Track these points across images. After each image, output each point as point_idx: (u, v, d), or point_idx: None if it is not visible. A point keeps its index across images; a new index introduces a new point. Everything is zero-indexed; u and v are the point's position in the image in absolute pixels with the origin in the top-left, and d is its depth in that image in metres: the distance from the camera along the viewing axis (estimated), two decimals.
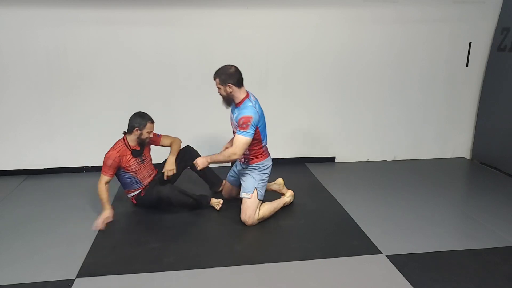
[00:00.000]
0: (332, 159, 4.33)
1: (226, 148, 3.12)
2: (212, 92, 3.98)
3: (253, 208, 2.85)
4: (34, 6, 3.52)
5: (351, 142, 4.29)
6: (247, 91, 2.86)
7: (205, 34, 3.80)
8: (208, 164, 2.92)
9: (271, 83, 4.01)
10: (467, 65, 4.18)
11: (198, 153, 3.36)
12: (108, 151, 2.96)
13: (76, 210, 3.16)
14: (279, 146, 4.20)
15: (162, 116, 3.89)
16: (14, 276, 2.30)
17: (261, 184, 2.94)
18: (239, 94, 2.80)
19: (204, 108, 3.96)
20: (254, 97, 2.90)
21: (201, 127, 4.03)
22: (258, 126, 2.82)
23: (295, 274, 2.32)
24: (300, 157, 4.28)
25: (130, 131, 3.00)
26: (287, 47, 3.93)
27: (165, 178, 3.15)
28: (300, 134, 4.20)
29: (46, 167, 3.94)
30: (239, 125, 2.75)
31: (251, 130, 2.73)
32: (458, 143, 4.45)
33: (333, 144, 4.28)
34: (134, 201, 3.17)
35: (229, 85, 2.75)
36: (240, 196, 2.94)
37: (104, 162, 2.94)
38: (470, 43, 4.12)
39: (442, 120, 4.34)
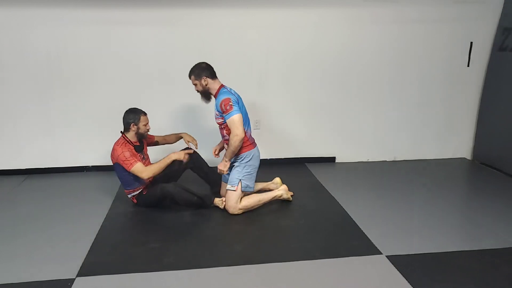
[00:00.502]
0: (332, 159, 4.33)
1: (216, 150, 3.27)
2: None
3: (234, 199, 2.98)
4: (34, 6, 3.52)
5: (351, 142, 4.28)
6: (221, 83, 3.01)
7: (205, 34, 3.80)
8: (229, 163, 3.02)
9: (271, 83, 4.01)
10: (468, 65, 4.18)
11: (198, 154, 3.37)
12: (116, 150, 2.96)
13: (76, 209, 3.16)
14: (279, 146, 4.20)
15: (162, 115, 3.91)
16: (14, 275, 2.30)
17: (247, 176, 3.01)
18: (214, 85, 2.97)
19: (204, 107, 3.96)
20: (230, 87, 3.04)
21: (201, 126, 4.03)
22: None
23: (295, 274, 2.32)
24: (300, 157, 4.27)
25: (127, 128, 3.03)
26: (287, 47, 3.93)
27: (196, 148, 3.28)
28: (300, 134, 4.20)
29: (46, 167, 3.95)
30: (223, 111, 2.87)
31: (235, 107, 2.85)
32: (458, 144, 4.45)
33: (333, 144, 4.28)
34: (135, 201, 3.16)
35: (203, 78, 2.94)
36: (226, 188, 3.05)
37: (124, 159, 2.91)
38: (471, 43, 4.12)
39: (443, 120, 4.34)
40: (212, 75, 2.97)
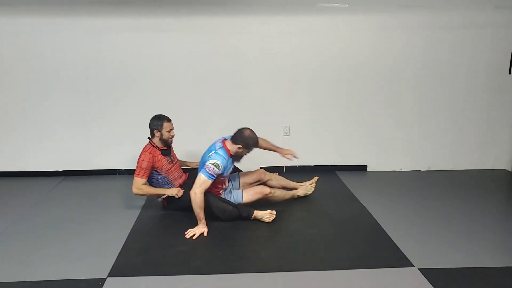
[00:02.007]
0: (363, 168, 4.23)
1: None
2: (242, 100, 4.04)
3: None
4: (73, 16, 3.69)
5: (384, 150, 4.18)
6: (222, 144, 3.03)
7: (236, 41, 3.84)
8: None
9: (301, 90, 3.99)
10: (509, 73, 3.99)
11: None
12: (140, 156, 3.05)
13: (109, 210, 3.25)
14: (309, 153, 4.16)
15: (194, 121, 3.97)
16: (50, 272, 2.38)
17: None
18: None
19: (234, 115, 3.99)
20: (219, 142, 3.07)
21: (232, 132, 4.05)
22: None
23: (323, 284, 2.27)
24: (330, 165, 4.21)
25: (152, 134, 3.13)
26: (317, 54, 3.90)
27: None
28: (330, 141, 4.14)
29: (82, 169, 4.10)
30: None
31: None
32: (499, 154, 4.23)
33: (365, 152, 4.19)
34: (165, 203, 3.21)
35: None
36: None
37: (138, 165, 3.01)
38: None
39: (482, 129, 4.15)
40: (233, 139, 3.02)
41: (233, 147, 2.99)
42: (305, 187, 3.45)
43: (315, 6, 3.76)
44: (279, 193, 3.27)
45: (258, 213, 2.99)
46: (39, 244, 2.71)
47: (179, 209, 3.17)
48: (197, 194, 2.81)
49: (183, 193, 3.09)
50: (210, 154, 2.95)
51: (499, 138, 4.19)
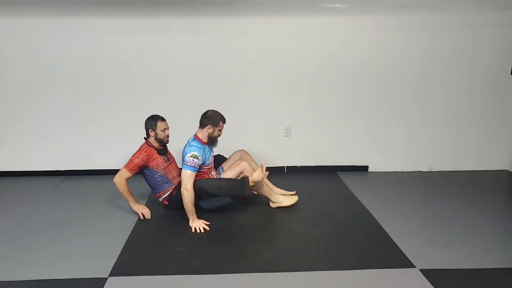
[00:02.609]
0: (365, 168, 4.23)
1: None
2: (243, 100, 4.04)
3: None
4: (75, 16, 3.70)
5: (385, 151, 4.18)
6: (194, 136, 3.11)
7: (237, 42, 3.85)
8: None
9: (302, 90, 4.00)
10: (511, 73, 3.99)
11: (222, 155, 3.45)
12: (135, 152, 3.11)
13: (111, 210, 3.27)
14: (310, 153, 4.17)
15: (195, 121, 3.97)
16: (52, 271, 2.40)
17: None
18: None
19: (234, 115, 4.00)
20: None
21: (233, 132, 4.06)
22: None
23: (323, 284, 2.27)
24: (331, 165, 4.21)
25: (147, 134, 3.16)
26: (318, 54, 3.91)
27: None
28: (331, 142, 4.14)
29: (83, 169, 4.11)
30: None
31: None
32: (500, 155, 4.23)
33: (366, 152, 4.19)
34: (166, 202, 3.22)
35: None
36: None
37: (131, 160, 3.06)
38: None
39: (483, 130, 4.15)
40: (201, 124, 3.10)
41: (203, 133, 3.07)
42: (283, 198, 3.26)
43: (315, 7, 3.76)
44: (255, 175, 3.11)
45: (253, 177, 3.05)
46: (41, 244, 2.73)
47: (180, 209, 3.17)
48: (188, 190, 2.87)
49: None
50: (185, 149, 3.02)
51: (500, 138, 4.19)
